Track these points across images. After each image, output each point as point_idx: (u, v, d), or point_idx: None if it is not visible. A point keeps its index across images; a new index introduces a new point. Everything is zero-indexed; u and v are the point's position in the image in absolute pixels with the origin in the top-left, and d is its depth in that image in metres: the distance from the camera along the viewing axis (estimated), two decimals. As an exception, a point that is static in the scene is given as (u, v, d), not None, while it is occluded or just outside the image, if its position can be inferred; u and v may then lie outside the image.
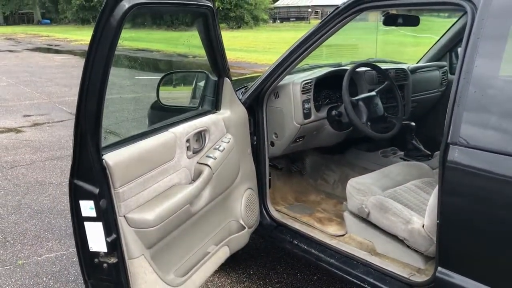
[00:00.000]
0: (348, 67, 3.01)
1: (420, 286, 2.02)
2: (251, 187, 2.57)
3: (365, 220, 2.41)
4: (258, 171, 2.65)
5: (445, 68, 3.50)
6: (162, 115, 2.69)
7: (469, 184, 1.64)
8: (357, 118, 2.59)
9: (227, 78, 2.39)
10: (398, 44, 11.26)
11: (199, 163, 2.15)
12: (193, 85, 2.88)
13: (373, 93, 2.75)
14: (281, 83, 2.56)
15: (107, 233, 1.69)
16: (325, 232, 2.58)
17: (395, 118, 2.82)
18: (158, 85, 2.61)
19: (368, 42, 8.52)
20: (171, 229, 1.92)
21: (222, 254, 2.26)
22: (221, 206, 2.33)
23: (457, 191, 1.68)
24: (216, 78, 2.40)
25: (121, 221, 1.73)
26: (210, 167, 2.13)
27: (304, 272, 2.97)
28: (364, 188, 2.40)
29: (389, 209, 2.25)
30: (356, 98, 2.69)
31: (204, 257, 2.16)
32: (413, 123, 2.97)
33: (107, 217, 1.69)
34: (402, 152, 3.07)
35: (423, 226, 2.11)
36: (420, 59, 3.67)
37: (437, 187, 2.00)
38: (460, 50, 1.69)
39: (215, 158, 2.17)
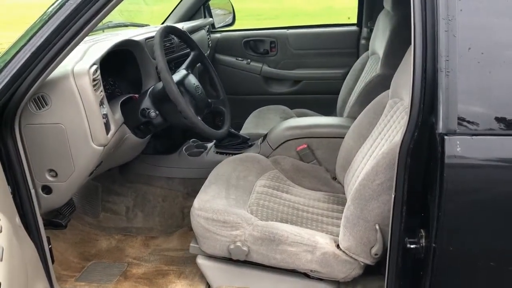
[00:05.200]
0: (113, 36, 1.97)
1: None
2: (46, 286, 1.34)
3: (238, 262, 1.61)
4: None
5: (208, 26, 2.82)
6: None
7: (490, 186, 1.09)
8: (194, 113, 1.65)
9: None
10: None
11: None
12: None
13: (184, 71, 1.82)
14: (49, 78, 1.36)
15: None
16: None
17: (220, 102, 1.99)
18: None
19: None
20: None
21: None
22: None
23: (468, 199, 1.12)
24: None
25: None
26: None
27: None
28: (232, 218, 1.57)
29: (283, 237, 1.53)
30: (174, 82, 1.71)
31: None
32: None
33: None
34: (210, 143, 2.24)
35: (338, 247, 1.52)
36: (167, 18, 2.86)
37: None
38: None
39: None
